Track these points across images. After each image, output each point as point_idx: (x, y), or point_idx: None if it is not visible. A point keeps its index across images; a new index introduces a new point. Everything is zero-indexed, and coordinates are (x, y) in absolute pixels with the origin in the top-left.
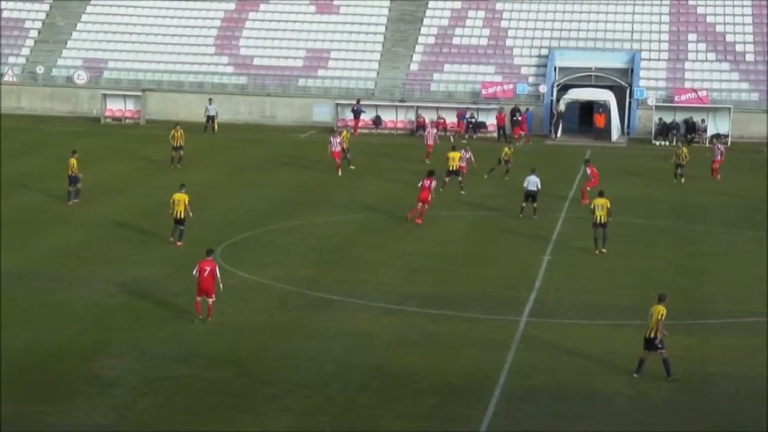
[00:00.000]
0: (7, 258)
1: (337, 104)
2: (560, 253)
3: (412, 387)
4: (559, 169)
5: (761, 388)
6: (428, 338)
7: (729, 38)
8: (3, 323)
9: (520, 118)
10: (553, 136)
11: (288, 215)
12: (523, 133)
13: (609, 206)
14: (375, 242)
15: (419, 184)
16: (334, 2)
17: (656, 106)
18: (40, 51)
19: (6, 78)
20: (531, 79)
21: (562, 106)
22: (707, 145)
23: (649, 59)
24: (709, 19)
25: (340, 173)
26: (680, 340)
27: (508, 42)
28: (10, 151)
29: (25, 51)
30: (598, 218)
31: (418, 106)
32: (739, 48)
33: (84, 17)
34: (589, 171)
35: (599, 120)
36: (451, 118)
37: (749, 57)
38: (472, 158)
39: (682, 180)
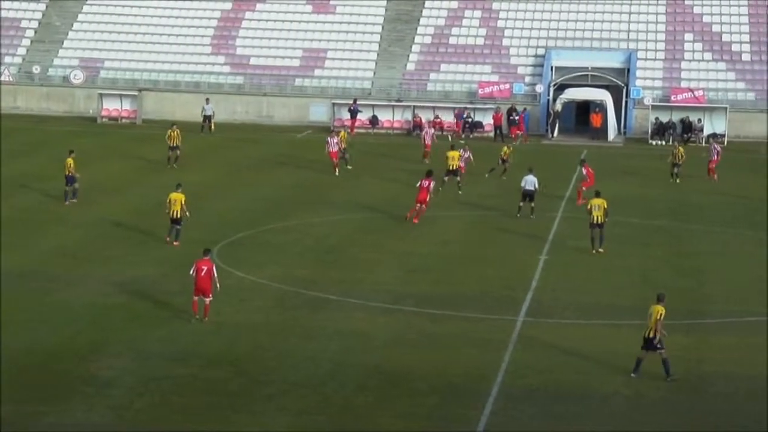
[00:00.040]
0: (4, 258)
1: (333, 104)
2: (557, 252)
3: (410, 387)
4: (555, 168)
5: (759, 388)
6: (425, 338)
7: (725, 38)
8: (1, 323)
9: (516, 118)
10: (550, 135)
11: (285, 215)
12: (520, 133)
13: (606, 207)
14: (372, 242)
15: (417, 184)
16: (331, 2)
17: (653, 106)
18: (36, 51)
19: (2, 78)
20: (527, 79)
21: (558, 106)
22: (704, 144)
23: (646, 59)
24: (706, 18)
25: (337, 173)
26: (677, 340)
27: (505, 42)
28: (7, 151)
29: (22, 51)
30: (595, 219)
31: (414, 106)
32: (735, 48)
33: (80, 17)
34: (584, 171)
35: (596, 120)
36: (447, 118)
37: (745, 57)
38: (471, 158)
39: (677, 180)
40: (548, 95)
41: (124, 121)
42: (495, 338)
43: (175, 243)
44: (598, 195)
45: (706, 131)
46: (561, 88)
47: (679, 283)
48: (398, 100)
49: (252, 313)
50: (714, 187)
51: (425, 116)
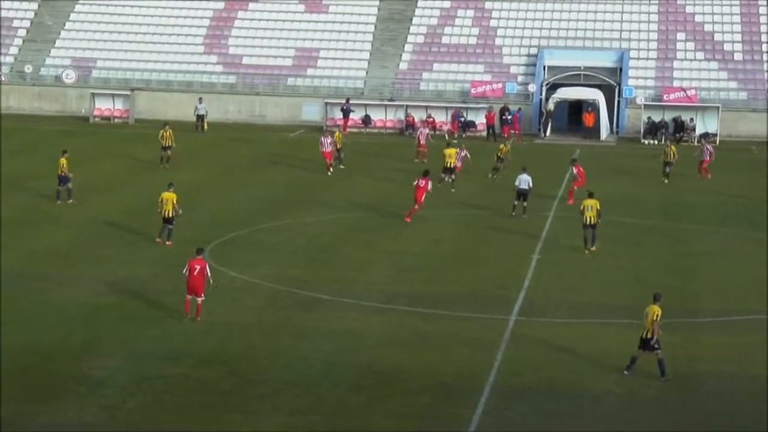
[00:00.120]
0: None
1: (326, 103)
2: (549, 252)
3: (402, 386)
4: (548, 168)
5: (752, 387)
6: (418, 337)
7: (717, 37)
8: (1, 323)
9: (509, 117)
10: (542, 135)
11: (277, 214)
12: (513, 132)
13: (599, 207)
14: (365, 241)
15: (414, 183)
16: (323, 1)
17: (645, 105)
18: (28, 50)
19: None
20: (520, 78)
21: (551, 105)
22: (696, 144)
23: (638, 58)
24: (698, 18)
25: (329, 173)
26: (669, 339)
27: (497, 41)
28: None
29: (14, 50)
30: (588, 219)
31: (407, 105)
32: (727, 47)
33: (72, 16)
34: (575, 170)
35: (588, 119)
36: (440, 117)
37: (737, 56)
38: (468, 156)
39: (666, 181)
40: (541, 95)
41: (116, 120)
42: (487, 337)
43: (167, 242)
44: (591, 196)
45: (699, 130)
46: (553, 87)
47: (672, 282)
48: (391, 100)
49: (244, 313)
50: (706, 187)
51: (418, 116)
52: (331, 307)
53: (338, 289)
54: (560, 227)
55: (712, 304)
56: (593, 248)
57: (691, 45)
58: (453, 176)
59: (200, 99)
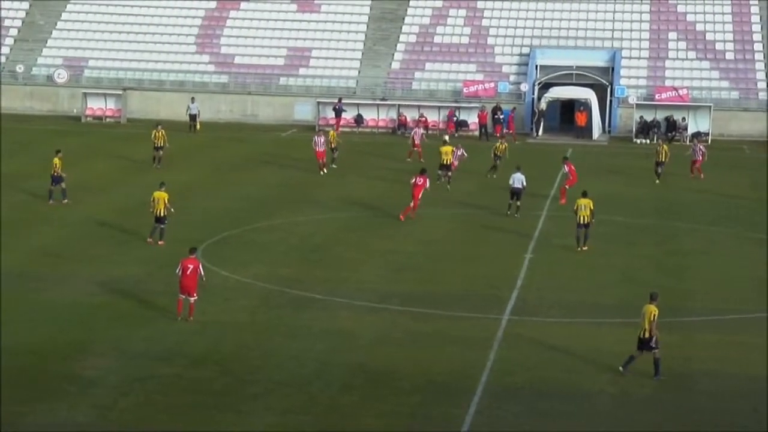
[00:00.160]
0: None
1: (318, 103)
2: (542, 251)
3: (395, 386)
4: (540, 167)
5: (744, 386)
6: (411, 337)
7: (709, 37)
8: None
9: (501, 117)
10: (535, 134)
11: (270, 214)
12: (509, 132)
13: (592, 207)
14: (357, 241)
15: (412, 181)
16: (315, 1)
17: (637, 105)
18: (20, 50)
19: None
20: (512, 78)
21: (543, 105)
22: (688, 143)
23: (630, 58)
24: (690, 17)
25: (322, 173)
26: (662, 338)
27: (490, 40)
28: None
29: (5, 50)
30: (581, 218)
31: (399, 105)
32: (719, 46)
33: (64, 15)
34: (566, 168)
35: (580, 118)
36: (432, 117)
37: (729, 55)
38: (465, 154)
39: (657, 181)
40: (533, 94)
41: (108, 120)
42: (480, 337)
43: (160, 242)
44: (584, 195)
45: (690, 130)
46: (546, 86)
47: (664, 282)
48: (383, 99)
49: (237, 313)
50: (698, 186)
51: (410, 115)
52: (324, 306)
53: (331, 288)
54: (553, 226)
55: (704, 303)
56: (585, 247)
57: (683, 44)
58: (449, 173)
59: (192, 98)
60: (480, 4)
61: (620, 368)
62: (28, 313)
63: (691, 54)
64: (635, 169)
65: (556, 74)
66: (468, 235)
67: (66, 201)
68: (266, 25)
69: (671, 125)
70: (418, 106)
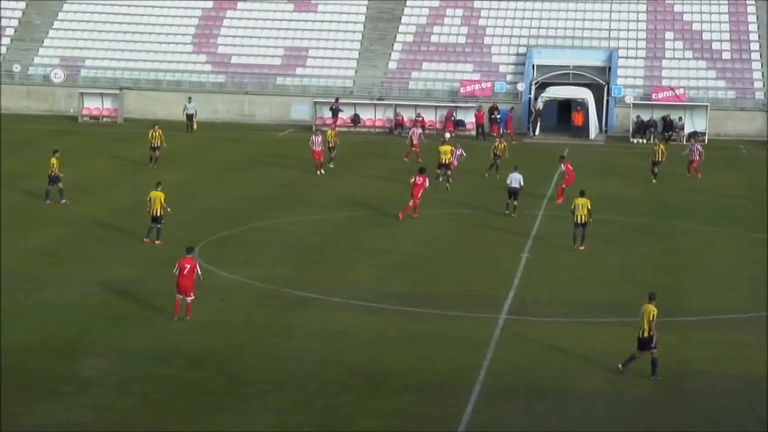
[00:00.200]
0: None
1: (315, 102)
2: (539, 250)
3: (391, 385)
4: (537, 167)
5: (740, 385)
6: (407, 337)
7: (706, 36)
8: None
9: (498, 116)
10: (531, 134)
11: (267, 214)
12: (508, 132)
13: (590, 206)
14: (354, 240)
15: (411, 181)
16: (312, 0)
17: (634, 104)
18: (16, 49)
19: None
20: (509, 77)
21: (540, 104)
22: (684, 143)
23: (627, 57)
24: (686, 17)
25: (319, 173)
26: (659, 338)
27: (486, 40)
28: None
29: (2, 49)
30: (579, 218)
31: (396, 105)
32: (715, 46)
33: (61, 15)
34: (563, 167)
35: (577, 118)
36: (429, 117)
37: (726, 55)
38: (464, 154)
39: (653, 181)
40: (530, 93)
41: (105, 119)
42: (477, 336)
43: (156, 242)
44: (582, 194)
45: (687, 129)
46: (542, 86)
47: (661, 281)
48: (380, 99)
49: (234, 312)
50: (695, 185)
51: (407, 115)
52: (321, 306)
53: (328, 288)
54: (550, 226)
55: (701, 302)
56: (582, 247)
57: (679, 44)
58: (449, 172)
59: (189, 98)
60: (477, 4)
61: (620, 366)
62: (25, 313)
63: (688, 54)
64: (632, 168)
65: (552, 74)
66: (465, 234)
67: (64, 201)
68: (263, 24)
69: (668, 125)
70: (415, 106)
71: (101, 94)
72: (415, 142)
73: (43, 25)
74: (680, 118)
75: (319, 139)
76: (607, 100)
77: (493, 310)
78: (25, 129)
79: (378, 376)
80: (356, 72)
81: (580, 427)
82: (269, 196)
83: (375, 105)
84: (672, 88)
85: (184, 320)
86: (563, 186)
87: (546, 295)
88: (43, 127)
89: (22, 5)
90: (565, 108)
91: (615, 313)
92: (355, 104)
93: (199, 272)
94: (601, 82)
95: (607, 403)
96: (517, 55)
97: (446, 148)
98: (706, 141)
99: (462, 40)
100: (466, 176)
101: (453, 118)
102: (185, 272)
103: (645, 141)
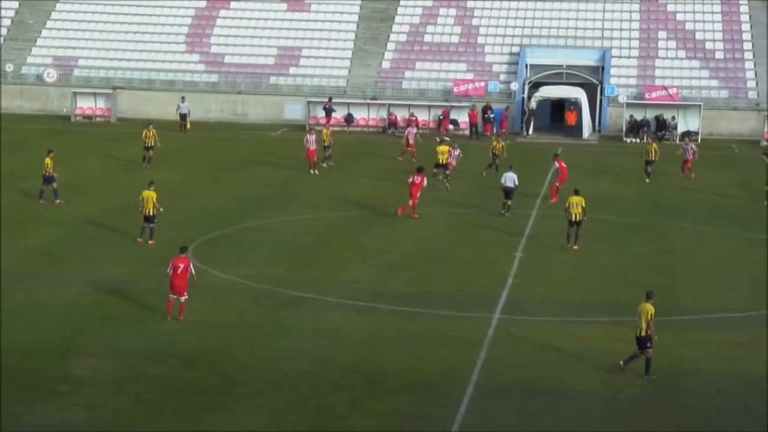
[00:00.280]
0: None
1: (308, 102)
2: (532, 250)
3: (385, 385)
4: (530, 166)
5: (735, 385)
6: (401, 336)
7: (699, 36)
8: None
9: (492, 116)
10: (525, 133)
11: (260, 213)
12: (503, 131)
13: (584, 205)
14: (348, 240)
15: (409, 181)
16: (306, 0)
17: (627, 104)
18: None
19: None
20: (502, 77)
21: (533, 104)
22: (678, 142)
23: (620, 57)
24: (679, 17)
25: (313, 172)
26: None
27: (480, 40)
28: None
29: None
30: (573, 216)
31: (389, 104)
32: (708, 46)
33: (54, 15)
34: (557, 165)
35: (570, 117)
36: (423, 116)
37: (719, 54)
38: (461, 154)
39: (647, 180)
40: (523, 93)
41: (98, 119)
42: (471, 336)
43: (150, 241)
44: (576, 192)
45: (680, 129)
46: (536, 85)
47: (655, 280)
48: (373, 98)
49: (227, 312)
50: (688, 185)
51: (400, 114)
52: (314, 306)
53: (321, 288)
54: (543, 225)
55: (695, 301)
56: (576, 246)
57: (672, 44)
58: (447, 172)
59: (182, 98)
60: (470, 4)
61: (621, 363)
62: (19, 313)
63: (681, 53)
64: (625, 168)
65: (546, 73)
66: (459, 234)
67: (58, 201)
68: (256, 24)
69: (661, 124)
70: (409, 106)
71: (94, 94)
72: (411, 141)
73: (36, 24)
74: (673, 118)
75: (314, 138)
76: (601, 100)
77: (487, 310)
78: (17, 129)
79: (372, 376)
80: (349, 71)
81: (573, 426)
82: (262, 195)
83: (368, 104)
84: (665, 88)
85: (178, 320)
86: (557, 184)
87: (539, 295)
88: (36, 126)
89: (15, 5)
90: (559, 107)
91: (609, 312)
92: (348, 104)
93: (193, 272)
94: (595, 81)
95: (601, 402)
96: (511, 54)
97: (443, 148)
98: (699, 140)
99: (455, 39)
100: (463, 176)
101: (449, 118)
102: (179, 272)
103: (638, 140)
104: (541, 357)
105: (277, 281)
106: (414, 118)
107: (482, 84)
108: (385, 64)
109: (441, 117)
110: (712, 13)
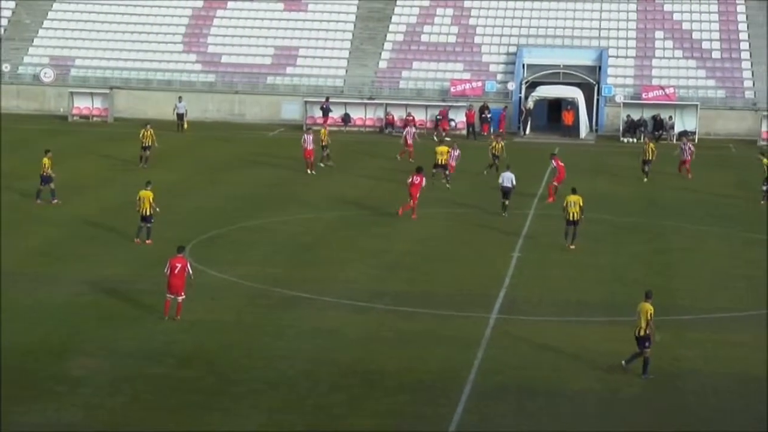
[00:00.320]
0: None
1: (305, 102)
2: (530, 250)
3: (383, 385)
4: (527, 166)
5: (732, 385)
6: (399, 336)
7: (696, 36)
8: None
9: (489, 116)
10: (522, 133)
11: (257, 213)
12: (501, 131)
13: (582, 204)
14: (345, 240)
15: (408, 181)
16: (302, 0)
17: (624, 104)
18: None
19: None
20: (499, 77)
21: (530, 104)
22: (675, 142)
23: (617, 56)
24: (676, 16)
25: (310, 172)
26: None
27: (477, 39)
28: None
29: None
30: (571, 215)
31: (387, 104)
32: (705, 45)
33: (50, 14)
34: (554, 164)
35: (567, 117)
36: (420, 116)
37: (716, 54)
38: (460, 155)
39: (644, 180)
40: (520, 93)
41: (95, 119)
42: (468, 336)
43: (147, 241)
44: (574, 191)
45: (677, 129)
46: (533, 85)
47: (652, 280)
48: (370, 98)
49: (224, 312)
50: (685, 184)
51: (398, 114)
52: (312, 305)
53: (319, 288)
54: (540, 225)
55: (692, 301)
56: (573, 246)
57: (669, 43)
58: (447, 172)
59: (180, 98)
60: (467, 4)
61: (623, 362)
62: (16, 313)
63: (678, 53)
64: (622, 167)
65: (543, 73)
66: (457, 234)
67: (56, 201)
68: (253, 24)
69: (658, 124)
70: (406, 105)
71: (91, 94)
72: (409, 141)
73: (33, 24)
74: (670, 118)
75: (311, 138)
76: (598, 100)
77: (485, 310)
78: (15, 128)
79: (370, 376)
80: (347, 71)
81: (571, 426)
82: (260, 195)
83: (365, 104)
84: (662, 88)
85: (175, 320)
86: (555, 183)
87: (537, 294)
88: (33, 126)
89: (11, 5)
90: (556, 107)
91: (606, 312)
92: (345, 103)
93: (190, 272)
94: (592, 81)
95: (598, 402)
96: (508, 54)
97: (443, 148)
98: (696, 140)
99: (452, 39)
100: (462, 176)
101: (440, 118)
102: (176, 271)
103: (635, 140)
104: (538, 357)
105: (274, 281)
106: (411, 117)
107: (479, 84)
108: (382, 64)
109: (439, 117)
110: (709, 12)
